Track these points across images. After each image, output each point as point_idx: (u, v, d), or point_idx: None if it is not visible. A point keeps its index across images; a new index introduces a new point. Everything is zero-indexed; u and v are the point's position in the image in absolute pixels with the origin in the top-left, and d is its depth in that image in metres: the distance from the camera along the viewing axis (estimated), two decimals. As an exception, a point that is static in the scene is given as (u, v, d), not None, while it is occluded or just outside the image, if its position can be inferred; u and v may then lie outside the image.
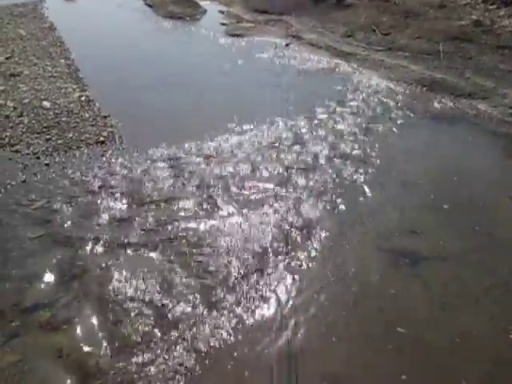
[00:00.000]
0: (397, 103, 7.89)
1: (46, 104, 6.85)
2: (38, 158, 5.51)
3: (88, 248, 4.13)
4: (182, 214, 4.69)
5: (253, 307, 3.61)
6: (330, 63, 10.02)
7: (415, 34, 11.00)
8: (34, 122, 6.30)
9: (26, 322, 3.34)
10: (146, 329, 3.35)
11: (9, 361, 3.04)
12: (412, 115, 7.45)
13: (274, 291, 3.79)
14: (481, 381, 3.15)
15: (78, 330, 3.30)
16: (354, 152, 6.12)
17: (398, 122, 7.14)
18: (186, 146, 6.01)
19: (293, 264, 4.10)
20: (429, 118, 7.44)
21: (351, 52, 10.58)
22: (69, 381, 2.95)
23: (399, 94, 8.31)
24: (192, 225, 4.52)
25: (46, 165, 5.38)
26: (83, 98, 7.25)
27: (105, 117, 6.71)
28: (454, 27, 10.85)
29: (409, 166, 5.82)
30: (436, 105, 7.89)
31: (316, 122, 6.98)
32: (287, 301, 3.70)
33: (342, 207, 4.94)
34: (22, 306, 3.48)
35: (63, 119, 6.46)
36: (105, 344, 3.21)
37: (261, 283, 3.86)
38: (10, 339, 3.19)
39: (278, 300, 3.70)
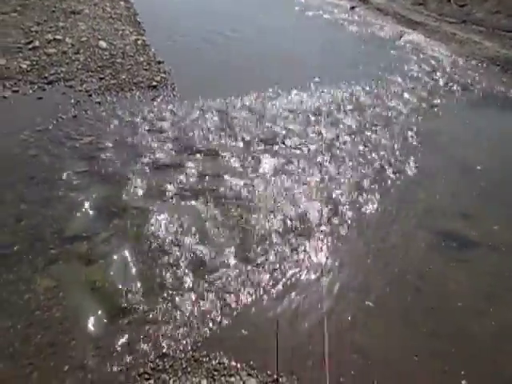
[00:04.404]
0: (464, 80, 7.33)
1: (103, 44, 6.81)
2: (90, 95, 5.50)
3: (130, 188, 4.08)
4: (227, 166, 4.55)
5: (287, 267, 3.47)
6: (396, 31, 9.41)
7: (494, 8, 10.11)
8: (89, 60, 6.29)
9: (65, 251, 3.34)
10: (179, 273, 3.28)
11: (45, 285, 3.07)
12: (479, 94, 6.90)
13: (312, 256, 3.62)
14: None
15: (113, 266, 3.28)
16: (413, 127, 5.75)
17: (463, 100, 6.64)
18: (236, 100, 5.84)
19: (335, 230, 3.90)
20: (497, 99, 6.87)
21: (420, 21, 9.88)
22: (99, 313, 2.94)
23: (468, 71, 7.71)
24: (236, 179, 4.37)
25: (98, 103, 5.36)
26: (139, 42, 7.16)
27: (159, 62, 6.62)
28: (541, 4, 9.88)
29: (468, 147, 5.41)
30: (507, 86, 7.27)
31: (375, 90, 6.60)
32: (324, 266, 3.53)
33: (392, 180, 4.66)
34: (62, 235, 3.48)
35: (118, 60, 6.41)
36: (137, 283, 3.18)
37: (298, 243, 3.69)
38: (49, 265, 3.21)
39: (316, 264, 3.53)
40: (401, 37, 9.19)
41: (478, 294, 3.47)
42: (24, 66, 5.77)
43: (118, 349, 2.74)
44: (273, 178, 4.46)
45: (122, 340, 2.79)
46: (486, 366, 2.93)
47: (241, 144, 4.95)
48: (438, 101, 6.61)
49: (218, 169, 4.49)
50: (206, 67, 6.72)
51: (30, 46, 6.30)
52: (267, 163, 4.69)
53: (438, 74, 7.55)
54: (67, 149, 4.48)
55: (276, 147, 4.98)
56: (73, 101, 5.33)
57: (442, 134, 5.64)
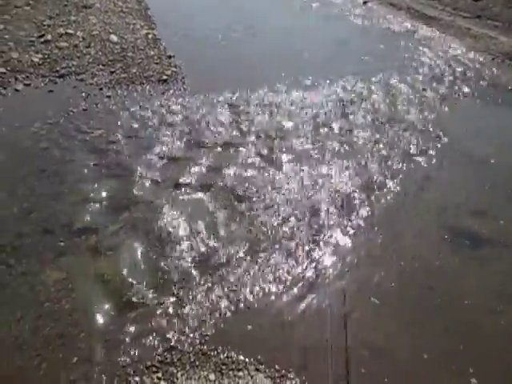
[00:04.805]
0: (478, 75, 7.20)
1: (114, 38, 6.81)
2: (101, 88, 5.51)
3: (140, 182, 4.08)
4: (238, 161, 4.53)
5: (295, 261, 3.44)
6: (410, 26, 9.28)
7: (510, 3, 9.91)
8: (100, 53, 6.29)
9: (74, 243, 3.34)
10: (188, 268, 3.27)
11: (54, 277, 3.07)
12: (493, 90, 6.78)
13: (324, 250, 3.58)
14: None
15: (122, 259, 3.28)
16: (425, 122, 5.67)
17: (476, 96, 6.52)
18: (248, 94, 5.81)
19: (348, 226, 3.86)
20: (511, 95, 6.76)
21: (434, 16, 9.73)
22: (107, 306, 2.94)
23: (482, 66, 7.58)
24: (246, 173, 4.36)
25: (108, 96, 5.36)
26: (150, 36, 7.16)
27: (169, 56, 6.60)
28: (559, -2, 9.67)
29: (481, 142, 5.32)
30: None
31: (388, 86, 6.51)
32: (333, 263, 3.49)
33: (404, 177, 4.59)
34: (71, 227, 3.48)
35: (129, 54, 6.41)
36: (146, 276, 3.17)
37: (310, 241, 3.66)
38: (58, 257, 3.21)
39: (325, 260, 3.50)
40: (414, 32, 9.06)
41: (488, 292, 3.41)
42: (36, 60, 5.80)
43: (126, 341, 2.74)
44: (285, 173, 4.43)
45: (130, 333, 2.79)
46: (496, 365, 2.88)
47: (253, 138, 4.93)
48: (452, 95, 6.51)
49: (229, 163, 4.46)
50: (216, 62, 6.69)
51: (42, 40, 6.32)
52: (280, 157, 4.65)
53: (452, 68, 7.43)
54: (78, 142, 4.49)
55: (288, 142, 4.94)
56: (83, 94, 5.34)
57: (455, 129, 5.55)
